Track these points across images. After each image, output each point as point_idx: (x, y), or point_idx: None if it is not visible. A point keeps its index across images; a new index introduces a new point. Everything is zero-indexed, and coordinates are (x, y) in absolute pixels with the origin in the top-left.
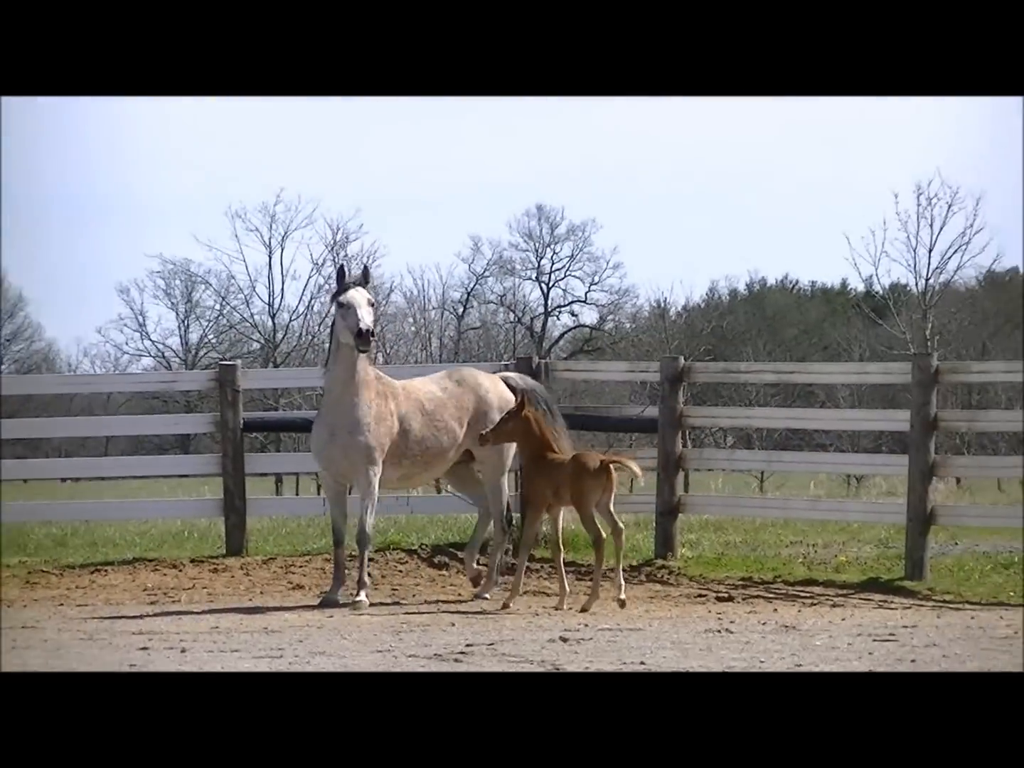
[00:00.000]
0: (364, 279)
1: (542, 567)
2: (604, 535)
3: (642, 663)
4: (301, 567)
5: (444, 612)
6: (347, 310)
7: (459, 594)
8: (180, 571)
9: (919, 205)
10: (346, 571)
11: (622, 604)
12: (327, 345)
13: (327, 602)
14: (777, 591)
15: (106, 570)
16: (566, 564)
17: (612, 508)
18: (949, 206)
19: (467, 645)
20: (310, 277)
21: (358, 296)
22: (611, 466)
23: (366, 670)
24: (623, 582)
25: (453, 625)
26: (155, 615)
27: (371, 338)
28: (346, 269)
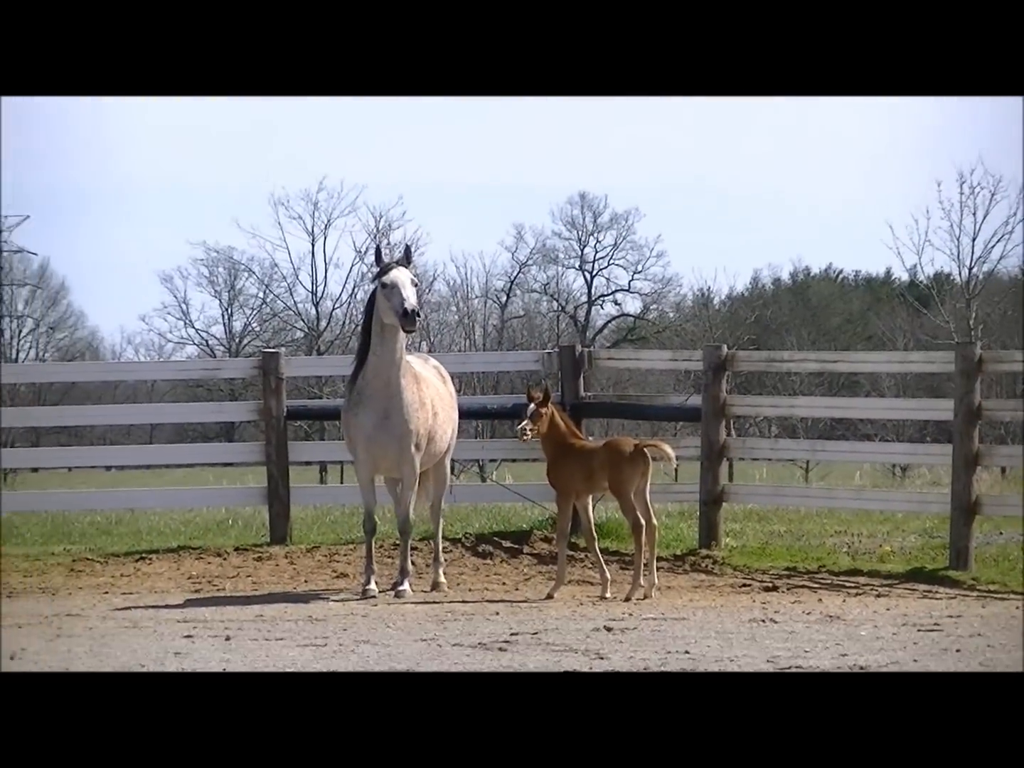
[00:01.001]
0: (406, 259)
1: (585, 556)
2: (643, 522)
3: (686, 652)
4: (345, 555)
5: (488, 601)
6: (391, 290)
7: (504, 583)
8: (224, 559)
9: (962, 194)
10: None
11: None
12: (363, 327)
13: (365, 593)
14: (822, 581)
15: (151, 558)
16: (610, 553)
17: (648, 497)
18: (992, 194)
19: (512, 634)
20: (353, 265)
21: (402, 275)
22: (646, 451)
23: (411, 658)
24: (656, 579)
25: (497, 614)
26: (199, 603)
27: (416, 318)
28: (383, 250)
